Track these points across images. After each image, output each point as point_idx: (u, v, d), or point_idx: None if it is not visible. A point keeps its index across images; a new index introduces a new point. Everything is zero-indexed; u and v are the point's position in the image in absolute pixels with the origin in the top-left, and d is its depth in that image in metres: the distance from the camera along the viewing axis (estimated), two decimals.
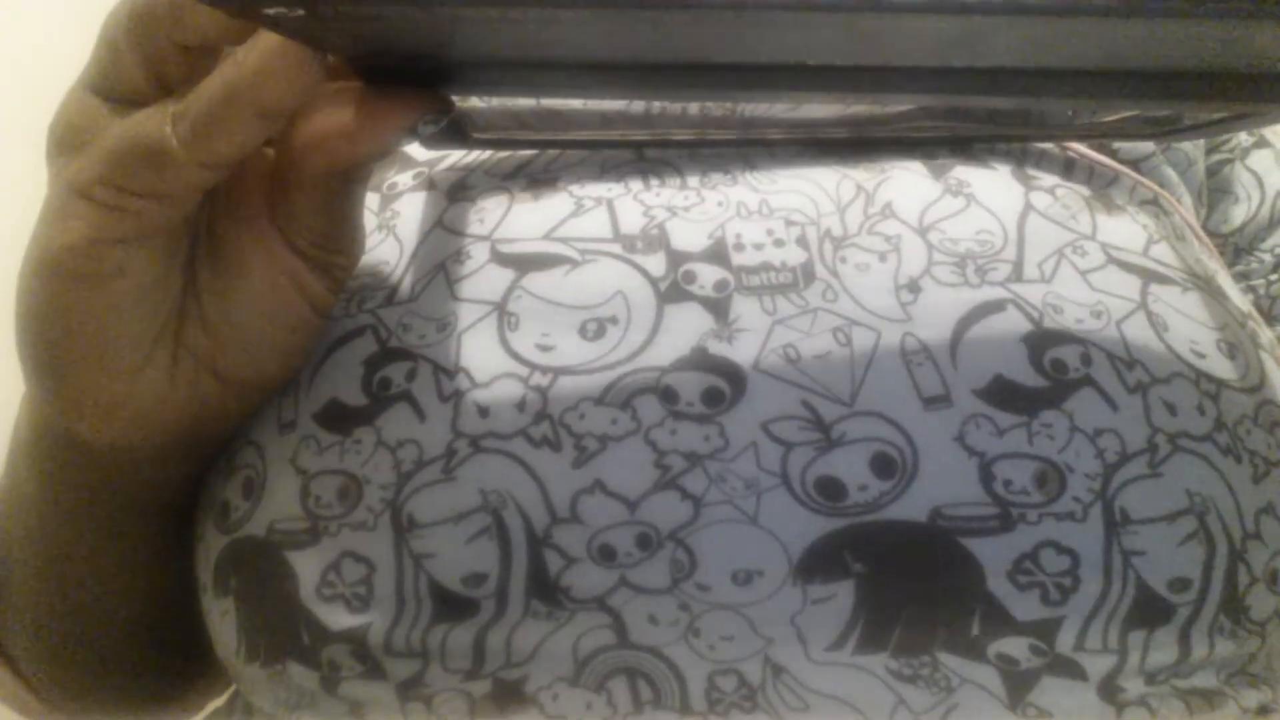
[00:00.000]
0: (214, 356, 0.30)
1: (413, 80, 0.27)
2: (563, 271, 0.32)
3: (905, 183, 0.34)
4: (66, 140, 0.28)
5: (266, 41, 0.25)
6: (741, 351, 0.30)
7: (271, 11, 0.23)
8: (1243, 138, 0.44)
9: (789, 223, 0.33)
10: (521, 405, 0.30)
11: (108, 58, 0.28)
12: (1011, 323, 0.31)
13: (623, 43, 0.25)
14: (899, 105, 0.37)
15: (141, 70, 0.27)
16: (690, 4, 0.21)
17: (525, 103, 0.38)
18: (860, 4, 0.21)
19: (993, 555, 0.28)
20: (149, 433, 0.30)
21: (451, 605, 0.29)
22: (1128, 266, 0.33)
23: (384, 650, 0.29)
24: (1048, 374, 0.30)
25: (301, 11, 0.22)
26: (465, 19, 0.24)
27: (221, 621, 0.32)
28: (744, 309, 0.31)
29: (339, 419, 0.31)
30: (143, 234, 0.27)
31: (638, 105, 0.38)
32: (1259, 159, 0.43)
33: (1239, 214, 0.43)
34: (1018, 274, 0.32)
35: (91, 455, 0.31)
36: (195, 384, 0.30)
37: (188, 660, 0.40)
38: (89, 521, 0.34)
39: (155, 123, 0.26)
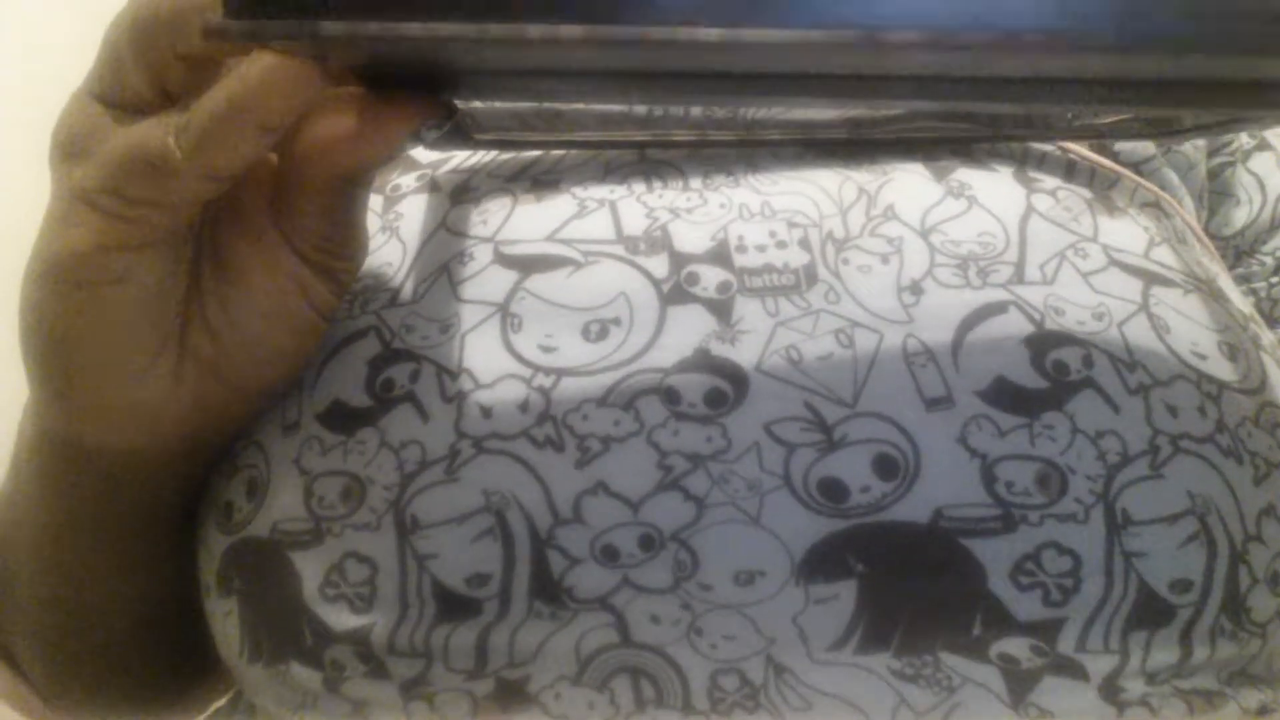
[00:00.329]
0: (218, 360, 0.30)
1: (415, 85, 0.27)
2: (565, 273, 0.32)
3: (907, 185, 0.34)
4: (70, 147, 0.28)
5: (269, 55, 0.25)
6: (744, 353, 0.30)
7: (276, 43, 0.23)
8: (1244, 140, 0.44)
9: (791, 224, 0.33)
10: (524, 406, 0.30)
11: (111, 65, 0.27)
12: (1013, 324, 0.31)
13: (623, 56, 0.25)
14: (899, 109, 0.37)
15: (144, 78, 0.27)
16: (684, 42, 0.21)
17: (528, 104, 0.38)
18: (854, 41, 0.21)
19: (994, 556, 0.28)
20: (153, 436, 0.30)
21: (455, 605, 0.29)
22: (1129, 269, 0.33)
23: (387, 650, 0.29)
24: (1049, 376, 0.30)
25: (306, 42, 0.23)
26: (467, 45, 0.24)
27: (224, 622, 0.32)
28: (746, 310, 0.31)
29: (342, 420, 0.31)
30: (146, 241, 0.27)
31: (640, 106, 0.38)
32: (1260, 162, 0.43)
33: (1240, 217, 0.43)
34: (1019, 276, 0.32)
35: (95, 459, 0.31)
36: (199, 387, 0.30)
37: (190, 660, 0.40)
38: (92, 523, 0.34)
39: (158, 134, 0.26)
